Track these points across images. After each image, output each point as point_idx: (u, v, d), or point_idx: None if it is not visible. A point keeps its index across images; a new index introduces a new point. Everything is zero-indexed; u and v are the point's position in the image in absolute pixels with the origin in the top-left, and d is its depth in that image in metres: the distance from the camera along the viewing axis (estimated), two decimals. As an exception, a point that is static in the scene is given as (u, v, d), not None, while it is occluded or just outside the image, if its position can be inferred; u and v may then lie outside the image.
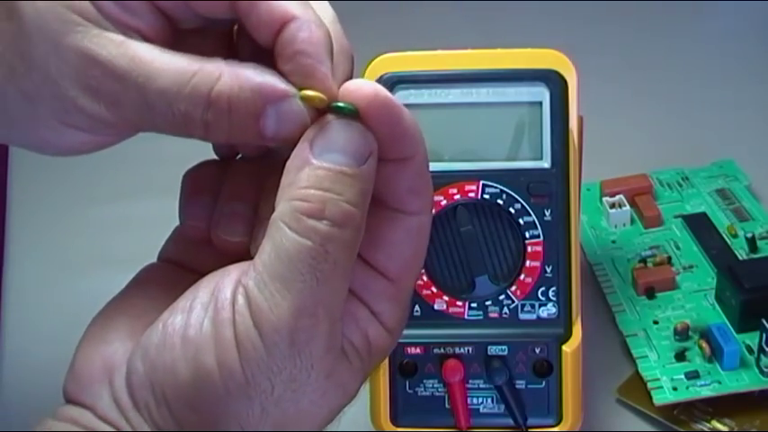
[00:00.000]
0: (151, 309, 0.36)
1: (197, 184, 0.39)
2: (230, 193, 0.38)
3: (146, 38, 0.35)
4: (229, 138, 0.34)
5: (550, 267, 0.46)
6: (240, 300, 0.33)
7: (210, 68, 0.34)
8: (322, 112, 0.34)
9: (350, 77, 0.36)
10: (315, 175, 0.33)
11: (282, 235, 0.33)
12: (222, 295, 0.34)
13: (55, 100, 0.34)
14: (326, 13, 0.36)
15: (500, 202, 0.46)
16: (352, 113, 0.34)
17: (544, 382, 0.47)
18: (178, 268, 0.40)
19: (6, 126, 0.36)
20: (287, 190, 0.34)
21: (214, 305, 0.33)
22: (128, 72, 0.33)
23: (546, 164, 0.46)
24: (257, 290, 0.33)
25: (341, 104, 0.34)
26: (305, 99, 0.34)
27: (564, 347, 0.46)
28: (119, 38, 0.34)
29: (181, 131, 0.35)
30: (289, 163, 0.34)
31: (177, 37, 0.36)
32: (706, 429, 0.49)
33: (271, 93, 0.34)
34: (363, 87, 0.34)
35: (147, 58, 0.34)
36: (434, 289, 0.46)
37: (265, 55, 0.35)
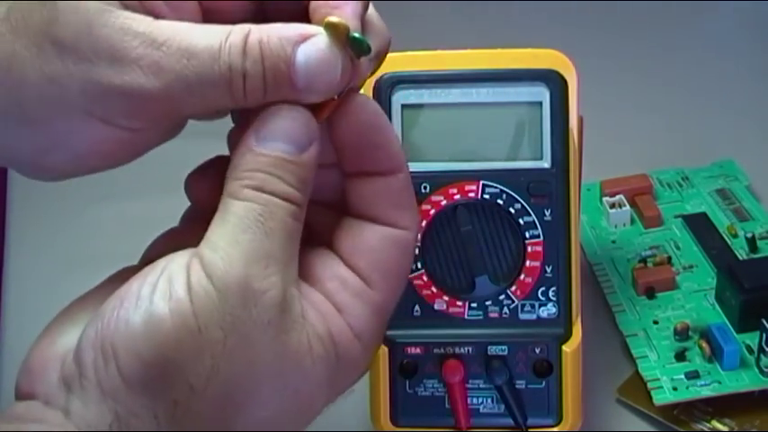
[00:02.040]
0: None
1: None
2: None
3: None
4: (266, 94, 0.35)
5: (550, 267, 0.46)
6: (195, 262, 0.34)
7: (240, 26, 0.34)
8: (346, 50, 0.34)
9: (383, 55, 0.37)
10: (255, 161, 0.34)
11: (229, 205, 0.34)
12: (176, 262, 0.34)
13: (86, 81, 0.34)
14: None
15: (500, 202, 0.46)
16: (364, 49, 0.34)
17: (544, 382, 0.47)
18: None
19: (19, 124, 0.36)
20: (232, 172, 0.35)
21: (169, 270, 0.34)
22: (170, 37, 0.34)
23: (546, 164, 0.46)
24: (210, 251, 0.34)
25: (357, 36, 0.34)
26: (328, 26, 0.34)
27: (564, 347, 0.46)
28: (150, 18, 0.35)
29: (220, 95, 0.34)
30: (235, 150, 0.35)
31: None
32: (706, 429, 0.49)
33: (296, 34, 0.34)
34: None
35: (184, 27, 0.34)
36: (434, 289, 0.46)
37: None
